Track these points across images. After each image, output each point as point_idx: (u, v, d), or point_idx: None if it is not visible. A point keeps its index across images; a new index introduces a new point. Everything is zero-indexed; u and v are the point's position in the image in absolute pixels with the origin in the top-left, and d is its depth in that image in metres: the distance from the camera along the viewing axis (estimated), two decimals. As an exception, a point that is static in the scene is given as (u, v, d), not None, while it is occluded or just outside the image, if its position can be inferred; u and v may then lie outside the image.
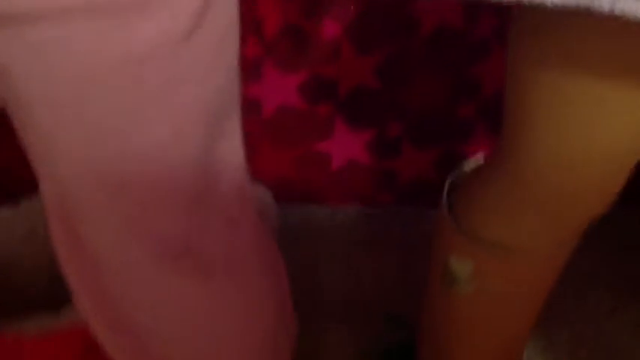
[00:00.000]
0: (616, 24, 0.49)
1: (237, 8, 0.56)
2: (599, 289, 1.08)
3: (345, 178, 1.12)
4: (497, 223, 0.73)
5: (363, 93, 1.02)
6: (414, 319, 1.03)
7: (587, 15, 0.48)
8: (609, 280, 1.10)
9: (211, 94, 0.56)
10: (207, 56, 0.54)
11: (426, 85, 1.02)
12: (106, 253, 0.60)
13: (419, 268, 1.09)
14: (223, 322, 0.70)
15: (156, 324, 0.67)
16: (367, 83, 1.01)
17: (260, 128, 1.05)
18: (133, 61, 0.49)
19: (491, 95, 1.02)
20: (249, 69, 0.99)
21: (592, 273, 1.10)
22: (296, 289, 1.06)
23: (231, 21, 0.56)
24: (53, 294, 0.88)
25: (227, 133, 0.63)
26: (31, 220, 0.96)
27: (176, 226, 0.61)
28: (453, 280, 0.80)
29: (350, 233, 1.14)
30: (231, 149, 0.65)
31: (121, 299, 0.65)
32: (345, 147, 1.08)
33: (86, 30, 0.46)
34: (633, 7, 0.46)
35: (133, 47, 0.48)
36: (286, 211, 1.16)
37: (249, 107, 1.03)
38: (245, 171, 0.68)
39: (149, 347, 0.68)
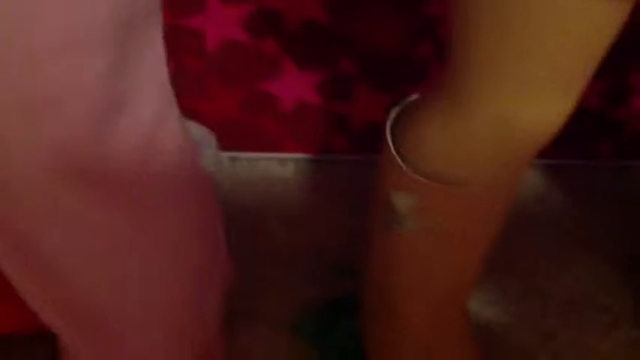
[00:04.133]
0: None
1: None
2: (553, 242, 1.04)
3: (295, 123, 1.07)
4: (440, 155, 0.69)
5: (311, 29, 0.97)
6: (360, 271, 0.99)
7: None
8: (563, 232, 1.06)
9: None
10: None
11: (380, 22, 0.97)
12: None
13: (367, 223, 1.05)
14: (144, 255, 0.65)
15: (71, 259, 0.62)
16: (316, 18, 0.96)
17: (204, 63, 0.99)
18: None
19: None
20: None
21: (545, 225, 1.07)
22: (243, 236, 1.02)
23: None
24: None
25: (145, 47, 0.58)
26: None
27: (89, 145, 0.56)
28: (395, 218, 0.76)
29: (300, 181, 1.09)
30: (152, 66, 0.60)
31: (37, 240, 0.60)
32: (294, 88, 1.03)
33: None
34: None
35: None
36: (235, 159, 1.11)
37: (192, 39, 0.97)
38: (169, 85, 0.63)
39: (64, 285, 0.63)
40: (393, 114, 0.75)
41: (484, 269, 1.00)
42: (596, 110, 1.07)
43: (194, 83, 1.02)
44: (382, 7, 0.96)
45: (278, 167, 1.10)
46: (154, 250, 0.65)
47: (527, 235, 1.06)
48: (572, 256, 1.03)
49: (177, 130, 0.66)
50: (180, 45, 0.98)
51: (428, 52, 1.00)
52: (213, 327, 0.77)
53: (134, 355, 0.71)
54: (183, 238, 0.68)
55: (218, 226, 0.78)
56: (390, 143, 0.74)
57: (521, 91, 0.60)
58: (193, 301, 0.72)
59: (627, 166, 1.14)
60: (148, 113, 0.60)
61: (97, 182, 0.58)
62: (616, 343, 0.93)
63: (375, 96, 1.04)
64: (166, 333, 0.71)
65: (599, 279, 1.01)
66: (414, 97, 0.74)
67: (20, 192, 0.56)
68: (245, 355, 0.89)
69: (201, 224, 0.71)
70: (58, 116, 0.52)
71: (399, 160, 0.72)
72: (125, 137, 0.58)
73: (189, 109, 1.03)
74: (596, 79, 1.03)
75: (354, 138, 1.09)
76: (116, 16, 0.52)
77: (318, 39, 0.98)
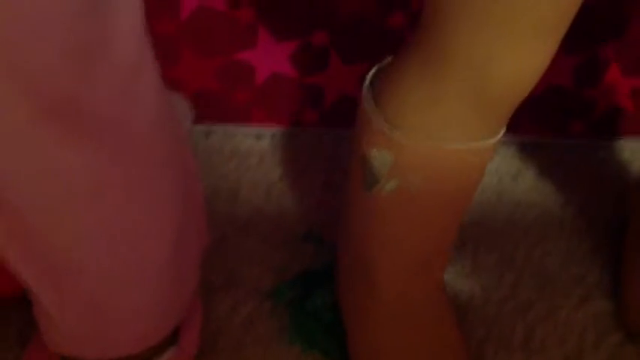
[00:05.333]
0: None
1: None
2: (526, 217, 1.05)
3: (270, 94, 1.06)
4: (416, 110, 0.69)
5: (288, -3, 0.96)
6: (335, 241, 0.98)
7: None
8: (536, 207, 1.06)
9: None
10: None
11: (356, -8, 0.97)
12: None
13: (343, 191, 1.04)
14: (114, 201, 0.63)
15: (37, 200, 0.60)
16: (293, -14, 0.95)
17: (179, 31, 0.98)
18: None
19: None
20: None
21: (519, 200, 1.07)
22: (217, 208, 1.01)
23: None
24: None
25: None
26: None
27: (63, 77, 0.54)
28: (372, 178, 0.75)
29: (274, 154, 1.08)
30: (129, 16, 0.59)
31: (8, 186, 0.58)
32: (269, 58, 1.02)
33: None
34: None
35: None
36: (209, 131, 1.10)
37: (167, 6, 0.96)
38: (145, 38, 0.61)
39: (29, 227, 0.61)
40: (371, 72, 0.75)
41: (458, 243, 1.00)
42: (569, 88, 1.07)
43: (168, 51, 1.00)
44: (359, -24, 0.96)
45: (254, 141, 1.09)
46: (132, 202, 0.64)
47: (501, 210, 1.06)
48: (546, 231, 1.03)
49: (155, 84, 0.65)
50: (155, 12, 0.96)
51: (401, 22, 1.00)
52: (190, 291, 0.76)
53: (114, 319, 0.69)
54: (162, 193, 0.66)
55: (197, 188, 0.76)
56: (369, 99, 0.73)
57: (500, 38, 0.60)
58: (173, 262, 0.70)
59: (600, 144, 1.15)
60: (124, 61, 0.59)
61: (70, 121, 0.56)
62: (590, 313, 0.94)
63: (349, 68, 1.04)
64: (146, 295, 0.69)
65: (572, 252, 1.01)
66: (393, 56, 0.74)
67: None
68: (221, 322, 0.88)
69: (179, 182, 0.70)
70: (33, 49, 0.51)
71: (376, 115, 0.71)
72: (101, 82, 0.57)
73: (163, 78, 1.02)
74: (569, 56, 1.04)
75: (328, 111, 1.09)
76: None
77: (293, 9, 0.97)
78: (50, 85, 0.54)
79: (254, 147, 1.08)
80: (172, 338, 0.78)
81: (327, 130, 1.11)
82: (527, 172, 1.11)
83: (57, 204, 0.60)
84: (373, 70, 0.74)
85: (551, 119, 1.12)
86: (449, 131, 0.69)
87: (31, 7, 0.49)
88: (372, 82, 0.74)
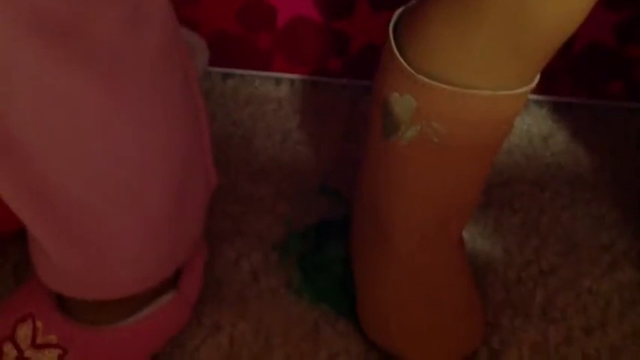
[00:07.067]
0: None
1: None
2: (556, 180, 0.99)
3: (291, 39, 1.01)
4: (445, 53, 0.64)
5: None
6: (350, 195, 0.94)
7: None
8: (567, 171, 1.01)
9: None
10: None
11: None
12: None
13: (362, 142, 1.00)
14: (117, 135, 0.59)
15: (36, 130, 0.56)
16: None
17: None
18: None
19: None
20: None
21: (549, 163, 1.01)
22: (229, 154, 0.97)
23: None
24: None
25: None
26: None
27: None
28: (393, 124, 0.71)
29: (294, 102, 1.04)
30: None
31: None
32: (293, 1, 0.97)
33: None
34: None
35: None
36: (226, 75, 1.06)
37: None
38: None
39: (26, 159, 0.58)
40: (397, 12, 0.70)
41: (482, 204, 0.96)
42: (610, 45, 1.01)
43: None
44: None
45: (272, 86, 1.05)
46: (135, 136, 0.60)
47: (529, 173, 1.01)
48: (575, 196, 0.98)
49: (165, 5, 0.60)
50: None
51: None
52: (194, 234, 0.72)
53: (111, 257, 0.65)
54: (165, 123, 0.63)
55: (204, 124, 0.72)
56: (392, 40, 0.68)
57: None
58: (176, 202, 0.67)
59: (635, 107, 1.09)
60: None
61: (65, 40, 0.53)
62: (616, 283, 0.89)
63: (378, 14, 0.99)
64: (146, 234, 0.66)
65: (602, 219, 0.96)
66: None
67: None
68: (227, 270, 0.84)
69: (185, 114, 0.66)
70: None
71: (399, 57, 0.67)
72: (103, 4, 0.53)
73: (180, 18, 0.97)
74: (610, 12, 0.97)
75: (353, 60, 1.04)
76: None
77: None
78: (45, 4, 0.50)
79: (272, 93, 1.04)
80: (173, 282, 0.74)
81: (351, 81, 1.06)
82: (560, 134, 1.06)
83: (57, 135, 0.56)
84: (399, 11, 0.70)
85: (589, 79, 1.06)
86: (478, 77, 0.64)
87: None
88: (397, 23, 0.69)
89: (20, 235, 0.79)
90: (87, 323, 0.70)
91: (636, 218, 0.96)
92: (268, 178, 0.95)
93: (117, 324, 0.70)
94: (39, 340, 0.70)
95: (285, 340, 0.79)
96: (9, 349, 0.69)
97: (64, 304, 0.72)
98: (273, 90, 1.05)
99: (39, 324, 0.70)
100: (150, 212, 0.65)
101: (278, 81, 1.06)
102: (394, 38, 0.69)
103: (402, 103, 0.69)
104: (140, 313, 0.71)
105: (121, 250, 0.65)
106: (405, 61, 0.67)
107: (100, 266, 0.65)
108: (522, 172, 1.01)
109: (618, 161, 1.03)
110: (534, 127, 1.06)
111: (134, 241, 0.65)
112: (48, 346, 0.70)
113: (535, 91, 1.09)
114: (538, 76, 0.67)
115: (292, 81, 1.06)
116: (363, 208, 0.82)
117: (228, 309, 0.81)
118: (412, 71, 0.65)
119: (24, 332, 0.70)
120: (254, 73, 1.05)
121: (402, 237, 0.78)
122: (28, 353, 0.69)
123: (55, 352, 0.69)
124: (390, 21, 0.99)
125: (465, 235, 0.92)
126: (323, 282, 0.84)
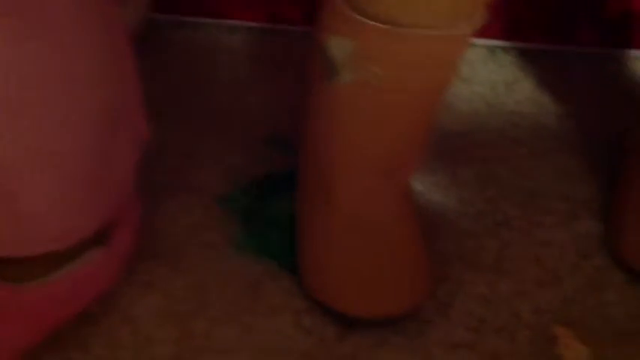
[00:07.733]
0: None
1: None
2: (516, 130, 0.96)
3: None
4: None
5: None
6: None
7: None
8: (529, 120, 0.98)
9: None
10: None
11: None
12: None
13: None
14: (27, 76, 0.57)
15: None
16: None
17: None
18: None
19: None
20: None
21: (511, 112, 0.98)
22: (177, 105, 0.94)
23: None
24: None
25: None
26: None
27: None
28: (331, 68, 0.68)
29: (248, 51, 1.00)
30: None
31: None
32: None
33: None
34: None
35: None
36: (178, 26, 1.03)
37: None
38: None
39: None
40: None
41: (438, 153, 0.93)
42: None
43: None
44: None
45: (226, 35, 1.02)
46: (47, 80, 0.57)
47: (491, 121, 0.97)
48: (538, 145, 0.95)
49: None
50: None
51: None
52: (122, 187, 0.70)
53: (25, 211, 0.63)
54: (85, 72, 0.60)
55: (132, 77, 0.69)
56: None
57: None
58: (98, 150, 0.64)
59: (609, 54, 1.05)
60: None
61: None
62: (572, 234, 0.86)
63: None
64: (63, 185, 0.63)
65: (563, 169, 0.93)
66: None
67: None
68: (164, 225, 0.82)
69: (108, 59, 0.63)
70: None
71: (341, 2, 0.64)
72: None
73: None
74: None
75: (310, 8, 1.00)
76: None
77: None
78: None
79: (225, 41, 1.01)
80: (100, 238, 0.72)
81: (307, 29, 1.02)
82: (525, 82, 1.02)
83: None
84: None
85: (557, 24, 1.02)
86: (414, 15, 0.61)
87: None
88: None
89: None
90: (7, 280, 0.68)
91: (600, 169, 0.93)
92: (214, 128, 0.92)
93: (38, 280, 0.68)
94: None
95: (221, 296, 0.77)
96: None
97: None
98: (227, 39, 1.01)
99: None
100: (67, 170, 0.62)
101: (231, 29, 1.02)
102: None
103: (338, 45, 0.66)
104: (63, 270, 0.69)
105: (35, 204, 0.62)
106: (343, 1, 0.64)
107: (13, 220, 0.63)
108: (483, 121, 0.98)
109: (585, 110, 0.99)
110: (498, 74, 1.03)
111: (48, 194, 0.62)
112: (-31, 304, 0.68)
113: (501, 36, 1.05)
114: (481, 18, 0.64)
115: (248, 28, 1.02)
116: (307, 160, 0.79)
117: (164, 264, 0.79)
118: (350, 11, 0.63)
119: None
120: (206, 22, 1.02)
121: (345, 188, 0.76)
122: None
123: (-23, 310, 0.68)
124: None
125: (420, 186, 0.89)
126: (267, 235, 0.82)
